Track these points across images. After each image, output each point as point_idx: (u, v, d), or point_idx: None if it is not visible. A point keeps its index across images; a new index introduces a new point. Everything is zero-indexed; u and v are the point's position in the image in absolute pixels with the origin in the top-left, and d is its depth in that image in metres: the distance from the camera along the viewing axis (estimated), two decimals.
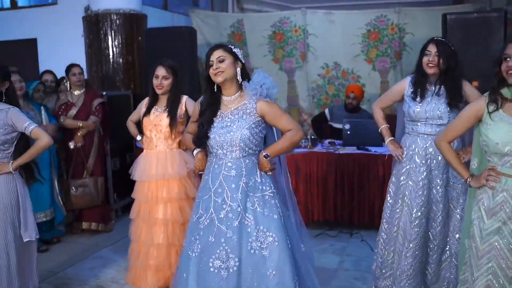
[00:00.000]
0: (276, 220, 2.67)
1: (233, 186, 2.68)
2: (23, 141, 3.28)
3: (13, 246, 3.18)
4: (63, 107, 5.14)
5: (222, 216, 2.67)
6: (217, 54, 2.66)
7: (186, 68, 5.63)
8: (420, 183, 3.29)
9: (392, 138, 3.52)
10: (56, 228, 4.91)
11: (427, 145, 3.28)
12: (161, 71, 3.79)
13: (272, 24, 6.94)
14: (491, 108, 2.36)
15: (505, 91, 2.36)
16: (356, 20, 6.65)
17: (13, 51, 7.00)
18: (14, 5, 7.17)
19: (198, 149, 2.88)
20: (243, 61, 2.75)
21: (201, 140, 2.75)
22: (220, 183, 2.71)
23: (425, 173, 3.30)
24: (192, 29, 6.02)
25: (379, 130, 3.61)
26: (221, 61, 2.64)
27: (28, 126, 3.16)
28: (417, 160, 3.32)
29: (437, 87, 3.28)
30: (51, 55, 6.68)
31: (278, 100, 7.36)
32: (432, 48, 3.24)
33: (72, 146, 5.09)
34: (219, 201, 2.70)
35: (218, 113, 2.74)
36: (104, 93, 5.46)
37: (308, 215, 5.19)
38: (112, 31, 6.08)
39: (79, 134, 5.07)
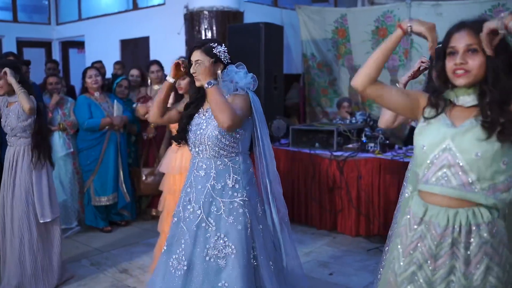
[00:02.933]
0: (239, 231, 2.53)
1: (200, 187, 2.60)
2: (38, 123, 3.60)
3: (28, 225, 3.53)
4: (141, 100, 5.50)
5: (186, 216, 2.63)
6: (195, 56, 2.55)
7: (260, 66, 5.57)
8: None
9: None
10: (119, 212, 5.26)
11: None
12: None
13: (376, 19, 6.45)
14: (428, 112, 1.83)
15: (448, 93, 1.81)
16: (468, 11, 5.81)
17: (131, 48, 7.70)
18: (135, 6, 7.85)
19: None
20: (227, 59, 2.59)
21: (180, 134, 2.70)
22: (191, 182, 2.66)
23: None
24: (274, 26, 5.90)
25: None
26: (199, 65, 2.52)
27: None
28: None
29: None
30: (160, 51, 7.14)
31: None
32: None
33: (145, 137, 5.42)
34: (187, 200, 2.65)
35: (200, 109, 2.67)
36: None
37: (368, 228, 4.76)
38: (204, 29, 6.28)
39: (151, 125, 5.37)
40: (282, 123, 5.49)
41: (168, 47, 6.98)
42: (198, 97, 2.66)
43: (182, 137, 2.69)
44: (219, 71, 2.56)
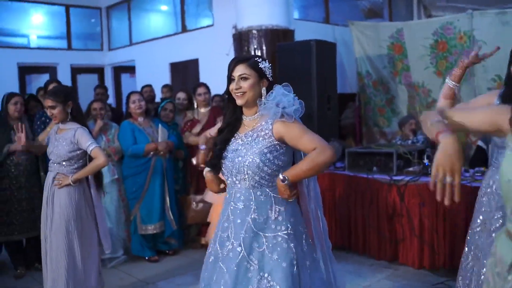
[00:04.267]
0: (284, 268, 2.22)
1: (239, 221, 2.30)
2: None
3: (70, 254, 3.37)
4: (188, 123, 5.33)
5: (225, 254, 2.35)
6: (240, 70, 2.28)
7: (311, 86, 5.28)
8: (493, 235, 2.41)
9: None
10: (166, 241, 5.05)
11: None
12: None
13: (434, 32, 6.02)
14: None
15: None
16: None
17: (181, 71, 7.60)
18: (184, 29, 7.78)
19: (208, 169, 2.52)
20: (271, 77, 2.36)
21: (214, 161, 2.43)
22: (228, 216, 2.37)
23: (500, 221, 2.40)
24: (326, 43, 5.61)
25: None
26: (244, 80, 2.27)
27: (90, 145, 3.34)
28: (492, 203, 2.45)
29: None
30: (210, 73, 7.01)
31: None
32: None
33: (195, 162, 5.21)
34: (225, 236, 2.37)
35: (236, 134, 2.40)
36: None
37: (433, 259, 4.31)
38: (253, 48, 6.08)
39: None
40: (337, 146, 5.15)
41: (217, 69, 6.79)
42: (231, 121, 2.39)
43: (216, 164, 2.41)
44: (263, 89, 2.31)
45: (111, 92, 9.28)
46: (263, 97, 2.31)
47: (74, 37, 9.05)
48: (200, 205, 5.10)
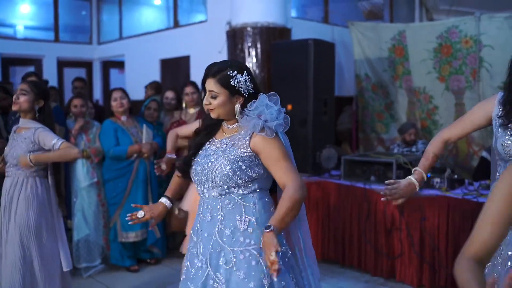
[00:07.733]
0: None
1: (206, 235, 2.08)
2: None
3: (21, 271, 3.01)
4: (174, 124, 5.00)
5: (193, 272, 2.12)
6: (209, 85, 2.07)
7: (308, 88, 4.96)
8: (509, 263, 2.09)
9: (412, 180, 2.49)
10: (148, 249, 4.72)
11: None
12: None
13: (438, 35, 5.72)
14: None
15: None
16: None
17: (171, 68, 7.26)
18: (176, 24, 7.44)
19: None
20: (247, 92, 2.07)
21: (183, 166, 2.19)
22: (197, 230, 2.14)
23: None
24: (325, 43, 5.28)
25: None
26: (213, 97, 2.06)
27: (57, 141, 3.04)
28: None
29: None
30: (201, 71, 6.66)
31: (443, 127, 6.06)
32: None
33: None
34: (194, 252, 2.14)
35: (212, 139, 2.18)
36: None
37: (433, 278, 4.03)
38: (247, 46, 5.76)
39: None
40: (333, 153, 4.84)
41: None
42: (210, 124, 2.18)
43: (185, 170, 2.18)
44: (237, 106, 2.07)
45: (98, 88, 8.94)
46: (237, 114, 2.08)
47: (62, 29, 8.65)
48: (182, 213, 4.78)
